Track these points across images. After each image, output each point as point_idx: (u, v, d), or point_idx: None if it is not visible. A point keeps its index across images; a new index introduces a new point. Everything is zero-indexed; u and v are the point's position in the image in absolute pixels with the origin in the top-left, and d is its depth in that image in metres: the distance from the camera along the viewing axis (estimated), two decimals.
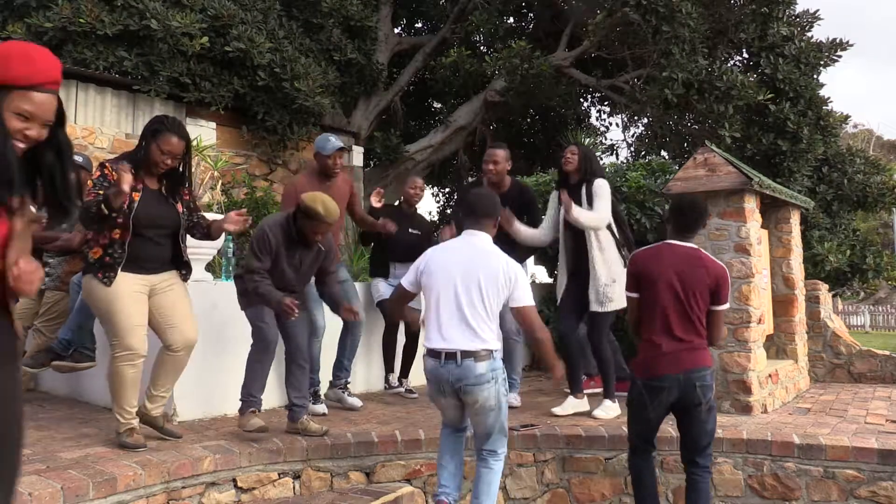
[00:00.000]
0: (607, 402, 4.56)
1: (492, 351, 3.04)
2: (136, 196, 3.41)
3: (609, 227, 4.59)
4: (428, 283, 3.14)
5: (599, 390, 5.49)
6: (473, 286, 3.05)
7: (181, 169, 3.55)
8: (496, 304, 3.08)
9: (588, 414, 4.53)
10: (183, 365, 3.63)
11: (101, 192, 3.29)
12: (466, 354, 2.99)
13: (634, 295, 3.37)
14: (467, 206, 3.28)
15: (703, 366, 3.24)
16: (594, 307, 4.53)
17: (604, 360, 4.59)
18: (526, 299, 3.12)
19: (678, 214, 3.37)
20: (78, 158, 4.90)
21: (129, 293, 3.38)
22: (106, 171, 3.37)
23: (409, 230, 5.20)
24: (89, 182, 3.37)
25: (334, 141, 4.66)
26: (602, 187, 4.57)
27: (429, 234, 5.43)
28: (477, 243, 3.17)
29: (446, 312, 3.05)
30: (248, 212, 6.85)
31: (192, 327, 3.60)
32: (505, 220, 4.13)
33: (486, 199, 3.29)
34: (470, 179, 11.24)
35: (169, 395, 3.70)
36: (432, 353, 3.07)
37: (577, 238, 4.63)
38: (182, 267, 3.64)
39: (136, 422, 3.50)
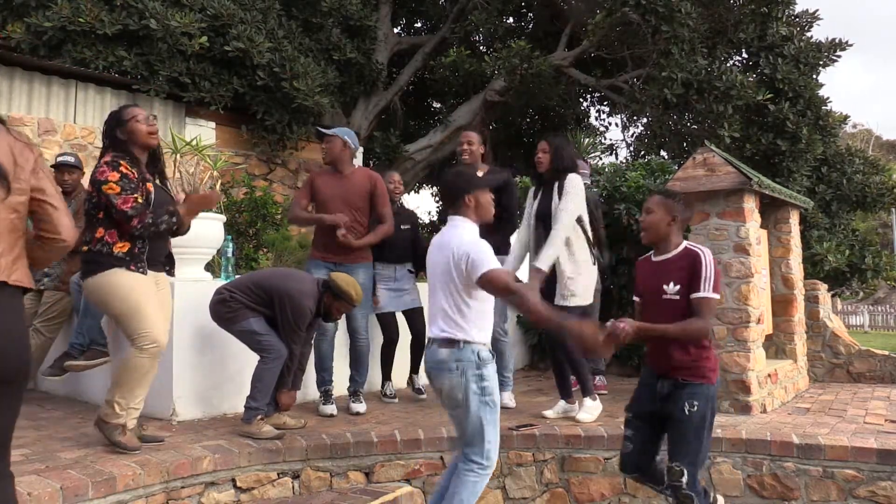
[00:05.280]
0: (587, 401, 4.46)
1: (457, 341, 2.90)
2: (150, 186, 3.41)
3: (580, 223, 4.46)
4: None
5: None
6: (440, 276, 2.99)
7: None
8: (460, 290, 2.93)
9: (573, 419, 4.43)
10: (154, 372, 3.44)
11: (137, 196, 3.26)
12: (433, 340, 2.98)
13: (718, 297, 3.12)
14: (441, 194, 3.25)
15: None
16: (557, 300, 4.40)
17: (572, 359, 4.45)
18: (482, 268, 2.85)
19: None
20: (70, 159, 4.90)
21: (149, 287, 3.38)
22: (124, 170, 3.28)
23: (401, 227, 5.05)
24: (114, 186, 3.22)
25: (318, 131, 4.77)
26: (572, 184, 4.43)
27: (417, 226, 5.33)
28: (447, 232, 3.06)
29: (431, 301, 3.06)
30: (248, 212, 6.92)
31: (167, 333, 3.52)
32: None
33: (449, 180, 3.17)
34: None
35: (141, 408, 3.50)
36: None
37: (548, 232, 4.49)
38: (168, 262, 3.63)
39: (131, 419, 3.40)
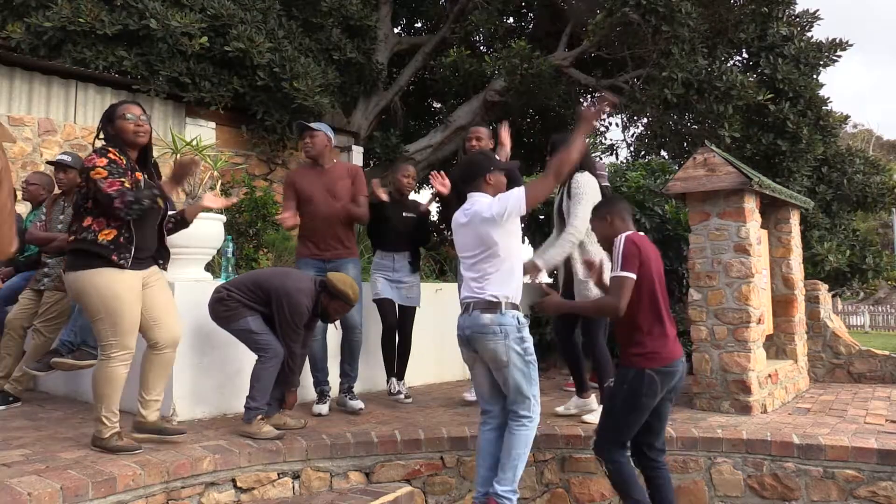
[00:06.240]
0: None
1: (497, 303, 3.15)
2: (140, 176, 3.41)
3: None
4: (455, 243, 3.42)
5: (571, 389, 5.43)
6: (470, 242, 3.26)
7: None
8: (496, 251, 3.18)
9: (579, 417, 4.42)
10: (171, 363, 3.57)
11: (123, 179, 3.27)
12: (476, 305, 3.19)
13: (634, 276, 3.14)
14: (460, 174, 3.50)
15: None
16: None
17: (600, 361, 4.39)
18: (511, 194, 3.16)
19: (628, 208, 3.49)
20: (65, 158, 4.89)
21: (133, 291, 3.34)
22: (112, 156, 3.31)
23: (404, 214, 5.07)
24: (102, 171, 3.24)
25: (298, 123, 4.79)
26: (580, 185, 4.30)
27: (423, 215, 5.28)
28: (469, 205, 3.32)
29: (463, 269, 3.33)
30: (248, 212, 6.91)
31: (177, 323, 3.56)
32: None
33: (471, 159, 3.47)
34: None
35: (162, 398, 3.61)
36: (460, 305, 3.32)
37: (562, 230, 4.48)
38: (161, 256, 3.62)
39: (152, 412, 3.49)
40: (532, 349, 3.23)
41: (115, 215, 3.27)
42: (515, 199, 3.13)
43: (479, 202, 3.27)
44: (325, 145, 4.69)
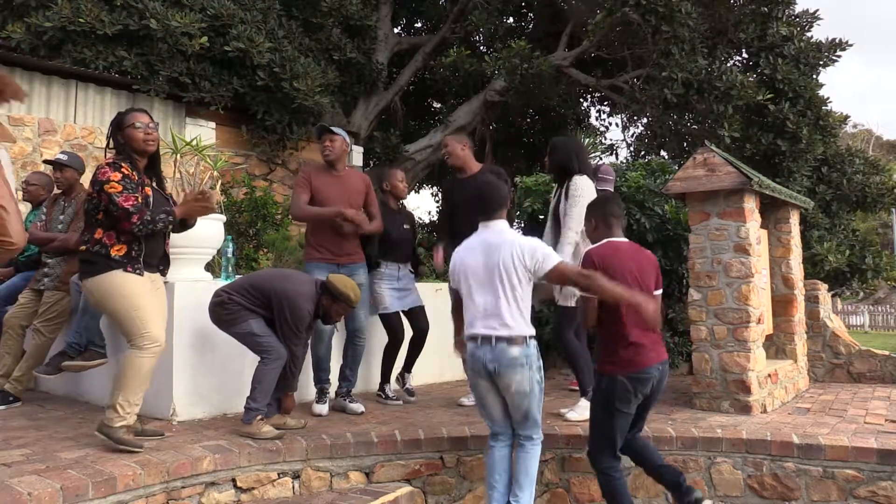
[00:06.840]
0: (583, 401, 4.40)
1: (524, 337, 3.21)
2: (149, 191, 3.44)
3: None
4: (460, 280, 3.41)
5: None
6: (494, 275, 3.25)
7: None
8: (520, 284, 3.23)
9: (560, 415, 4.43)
10: (152, 369, 3.50)
11: (137, 195, 3.32)
12: (500, 339, 3.21)
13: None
14: (483, 200, 3.41)
15: (667, 356, 3.41)
16: (558, 300, 4.47)
17: (574, 356, 4.48)
18: (550, 263, 3.21)
19: (619, 212, 3.53)
20: (62, 157, 4.90)
21: (150, 287, 3.43)
22: (125, 171, 3.35)
23: (404, 227, 5.10)
24: (116, 185, 3.28)
25: (319, 126, 4.80)
26: (578, 188, 4.41)
27: (415, 226, 5.32)
28: (493, 234, 3.32)
29: (477, 302, 3.29)
30: (248, 212, 6.92)
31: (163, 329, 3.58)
32: None
33: (495, 190, 3.40)
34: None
35: (140, 403, 3.55)
36: (471, 337, 3.32)
37: (557, 231, 4.55)
38: (163, 263, 3.63)
39: (133, 418, 3.46)
40: (543, 374, 3.33)
41: (125, 229, 3.33)
42: (551, 266, 3.20)
43: (508, 241, 3.24)
44: (344, 150, 4.75)
